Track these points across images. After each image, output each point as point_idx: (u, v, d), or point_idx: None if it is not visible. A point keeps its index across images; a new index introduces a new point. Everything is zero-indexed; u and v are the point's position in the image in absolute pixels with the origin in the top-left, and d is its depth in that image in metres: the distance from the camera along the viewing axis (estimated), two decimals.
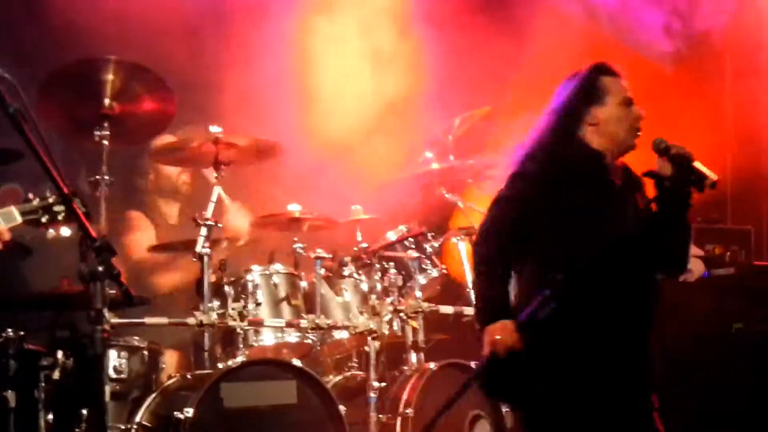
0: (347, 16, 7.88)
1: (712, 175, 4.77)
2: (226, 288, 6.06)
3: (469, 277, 6.57)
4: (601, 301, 4.76)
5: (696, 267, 7.50)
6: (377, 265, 6.42)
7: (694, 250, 7.50)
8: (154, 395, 5.82)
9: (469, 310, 6.50)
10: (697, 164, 4.80)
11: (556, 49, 7.74)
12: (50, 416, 5.63)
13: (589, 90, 4.99)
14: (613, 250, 4.79)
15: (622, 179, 4.98)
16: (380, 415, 6.06)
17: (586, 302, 4.73)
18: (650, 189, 4.96)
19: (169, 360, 6.34)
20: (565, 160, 4.95)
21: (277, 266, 6.25)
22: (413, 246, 6.54)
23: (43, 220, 4.48)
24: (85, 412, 5.65)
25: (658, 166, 4.90)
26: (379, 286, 6.36)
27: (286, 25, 7.62)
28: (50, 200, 4.48)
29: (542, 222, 4.85)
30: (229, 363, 5.87)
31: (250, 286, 6.09)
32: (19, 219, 4.47)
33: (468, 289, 6.65)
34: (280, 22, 7.56)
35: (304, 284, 6.26)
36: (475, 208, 6.82)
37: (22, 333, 5.63)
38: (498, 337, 4.70)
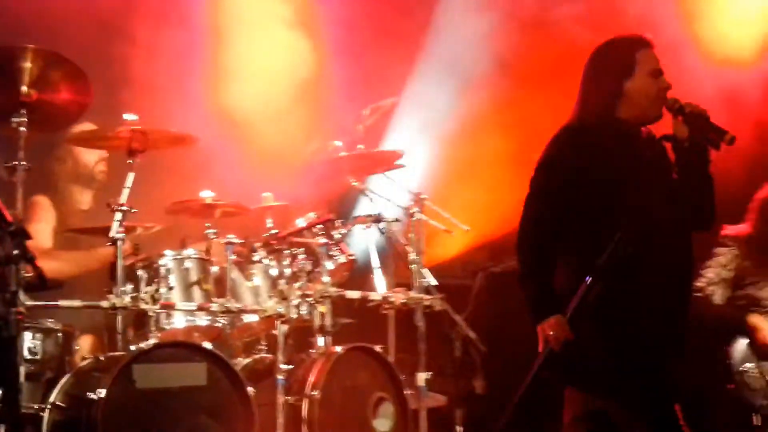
0: (255, 5, 7.84)
1: (728, 132, 4.86)
2: (139, 272, 6.09)
3: (375, 262, 6.74)
4: (645, 273, 4.81)
5: None
6: (286, 251, 6.48)
7: None
8: (68, 376, 5.80)
9: (376, 295, 6.63)
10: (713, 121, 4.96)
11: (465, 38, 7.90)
12: None
13: (620, 63, 5.07)
14: (652, 220, 4.88)
15: (652, 147, 5.03)
16: (287, 397, 6.13)
17: (630, 277, 4.79)
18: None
19: (83, 343, 6.28)
20: (596, 135, 5.01)
21: (189, 251, 6.28)
22: (322, 233, 6.61)
23: None
24: None
25: (673, 128, 5.00)
26: (288, 272, 6.42)
27: (197, 17, 7.57)
28: None
29: (578, 206, 4.92)
30: (141, 345, 5.88)
31: (162, 270, 6.12)
32: None
33: (372, 275, 6.77)
34: (190, 12, 7.49)
35: (215, 269, 6.28)
36: (381, 196, 6.93)
37: None
38: (551, 333, 4.84)
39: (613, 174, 4.93)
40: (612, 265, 4.80)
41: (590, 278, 4.78)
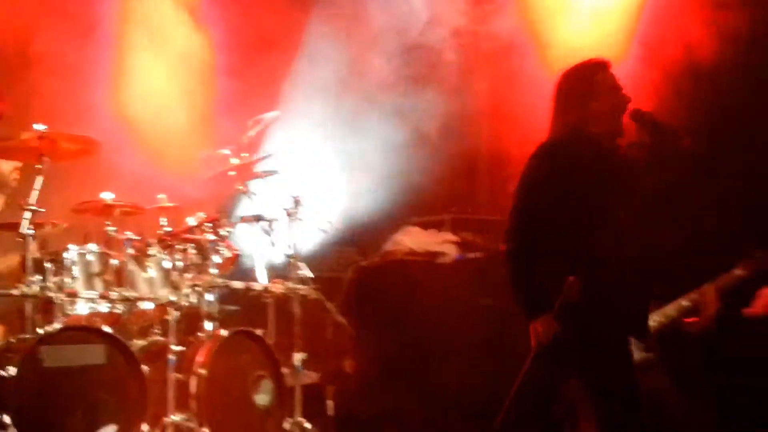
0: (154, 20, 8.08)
1: (684, 135, 5.13)
2: (47, 264, 6.22)
3: (256, 255, 7.08)
4: (614, 269, 5.04)
5: (450, 251, 8.08)
6: (178, 246, 6.72)
7: (449, 236, 8.23)
8: None
9: (257, 286, 6.95)
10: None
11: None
12: None
13: (583, 87, 5.34)
14: (624, 225, 5.12)
15: (621, 158, 5.26)
16: (178, 374, 6.37)
17: (607, 275, 5.04)
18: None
19: None
20: (571, 150, 5.24)
21: (92, 246, 6.45)
22: (210, 230, 6.85)
23: None
24: None
25: (637, 135, 5.27)
26: (180, 264, 6.69)
27: (101, 29, 7.76)
28: None
29: (558, 211, 5.13)
30: (48, 328, 5.99)
31: (67, 262, 6.29)
32: None
33: (254, 267, 7.07)
34: (95, 24, 7.71)
35: (115, 262, 6.47)
36: (262, 198, 7.20)
37: None
38: (541, 330, 5.14)
39: (587, 184, 5.15)
40: (585, 269, 5.03)
41: (572, 278, 5.03)
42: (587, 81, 5.36)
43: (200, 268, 6.80)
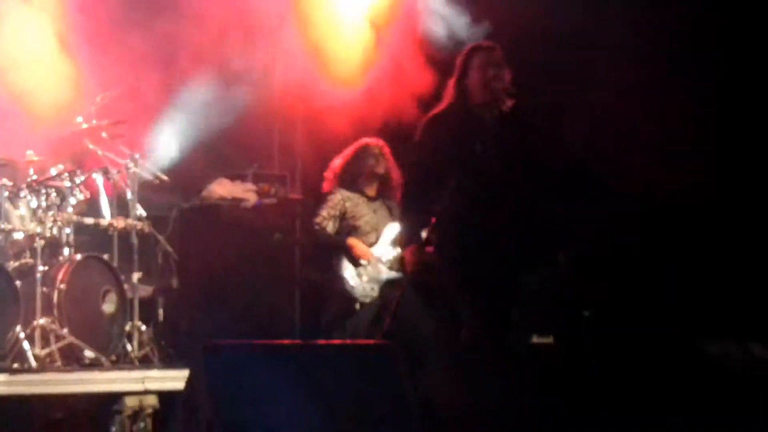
0: None
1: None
2: None
3: (103, 199, 7.30)
4: (488, 215, 5.29)
5: (251, 197, 8.34)
6: (43, 191, 7.01)
7: (250, 186, 8.40)
8: None
9: (104, 221, 7.22)
10: None
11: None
12: None
13: (461, 66, 5.60)
14: (491, 182, 5.32)
15: (501, 125, 5.43)
16: (43, 288, 6.78)
17: (477, 219, 5.31)
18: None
19: None
20: (452, 118, 5.49)
21: None
22: (67, 178, 7.16)
23: None
24: None
25: (502, 104, 5.49)
26: (44, 204, 6.99)
27: None
28: None
29: (440, 171, 5.41)
30: None
31: None
32: None
33: (100, 206, 7.25)
34: None
35: None
36: (107, 155, 7.53)
37: None
38: (408, 259, 5.59)
39: (462, 143, 5.37)
40: (448, 213, 5.31)
41: (434, 221, 5.41)
42: (465, 60, 5.64)
43: (60, 208, 7.05)
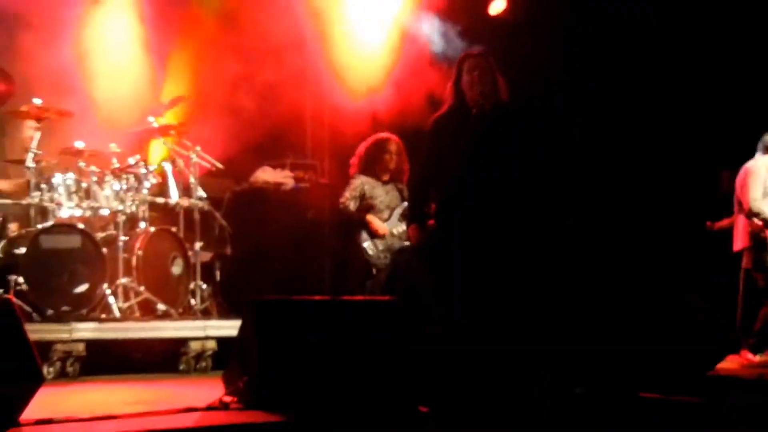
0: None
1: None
2: (43, 185, 7.16)
3: (171, 183, 7.76)
4: (477, 197, 5.45)
5: (289, 182, 8.85)
6: (124, 176, 7.59)
7: (288, 173, 8.88)
8: (4, 241, 7.06)
9: (172, 201, 7.68)
10: None
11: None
12: None
13: (456, 70, 5.85)
14: (482, 168, 5.49)
15: (491, 119, 5.56)
16: (124, 254, 7.37)
17: (468, 200, 5.47)
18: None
19: (12, 225, 7.41)
20: (452, 115, 5.73)
21: (70, 174, 7.36)
22: (143, 166, 7.75)
23: None
24: None
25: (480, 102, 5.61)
26: (125, 187, 7.57)
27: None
28: None
29: (441, 156, 5.64)
30: (44, 225, 7.05)
31: (55, 184, 7.23)
32: None
33: (169, 189, 7.71)
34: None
35: (84, 184, 7.40)
36: (176, 148, 8.05)
37: None
38: (411, 234, 5.93)
39: (456, 135, 5.53)
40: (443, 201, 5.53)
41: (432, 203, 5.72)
42: (458, 66, 5.90)
43: (137, 190, 7.66)
